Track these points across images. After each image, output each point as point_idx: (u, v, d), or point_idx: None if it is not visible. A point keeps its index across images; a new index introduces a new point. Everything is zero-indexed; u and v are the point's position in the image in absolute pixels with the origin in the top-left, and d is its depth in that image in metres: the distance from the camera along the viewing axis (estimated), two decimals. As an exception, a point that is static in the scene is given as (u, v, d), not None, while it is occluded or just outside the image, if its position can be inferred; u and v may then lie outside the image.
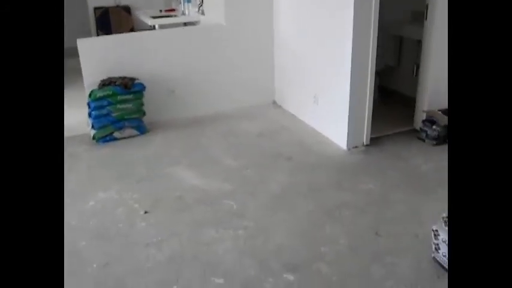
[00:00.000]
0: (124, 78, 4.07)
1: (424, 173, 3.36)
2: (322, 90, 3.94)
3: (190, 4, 5.29)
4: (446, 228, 2.35)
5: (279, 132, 4.16)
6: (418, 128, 3.93)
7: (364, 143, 3.75)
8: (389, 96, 4.82)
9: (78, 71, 4.21)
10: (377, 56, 3.55)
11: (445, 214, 2.39)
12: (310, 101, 4.13)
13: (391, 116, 4.28)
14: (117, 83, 3.99)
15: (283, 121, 4.41)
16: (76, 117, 4.57)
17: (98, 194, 3.21)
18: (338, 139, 3.80)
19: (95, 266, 2.46)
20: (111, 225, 2.83)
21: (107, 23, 6.99)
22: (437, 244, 2.42)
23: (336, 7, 3.56)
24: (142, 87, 4.08)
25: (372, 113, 3.70)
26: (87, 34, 7.14)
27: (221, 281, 2.32)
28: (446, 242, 2.33)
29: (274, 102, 4.89)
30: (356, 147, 3.73)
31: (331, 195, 3.06)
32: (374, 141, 3.79)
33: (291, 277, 2.33)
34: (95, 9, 7.04)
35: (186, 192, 3.16)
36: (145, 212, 2.95)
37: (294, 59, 4.39)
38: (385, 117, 4.15)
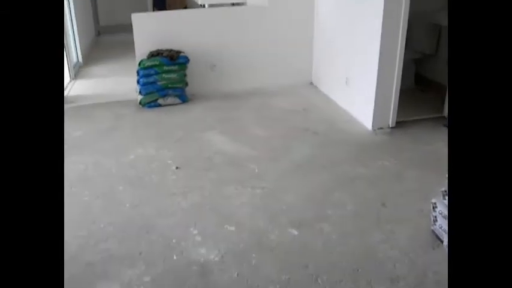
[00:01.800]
0: (171, 50, 4.43)
1: (442, 155, 3.48)
2: (353, 73, 4.13)
3: (239, -15, 5.57)
4: (444, 201, 2.52)
5: (310, 109, 4.39)
6: (446, 115, 4.03)
7: (390, 125, 3.91)
8: (427, 85, 4.92)
9: (132, 44, 4.61)
10: (413, 43, 3.65)
11: (445, 188, 2.55)
12: (342, 83, 4.33)
13: (422, 102, 4.40)
14: (164, 55, 4.35)
15: (316, 100, 4.63)
16: (127, 84, 5.01)
17: (138, 150, 3.59)
18: (365, 120, 3.99)
19: (127, 205, 2.83)
20: (146, 176, 3.19)
21: (162, 1, 7.40)
22: (435, 216, 2.58)
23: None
24: (186, 60, 4.42)
25: (404, 98, 3.84)
26: (144, 11, 7.61)
27: (233, 228, 2.61)
28: (443, 215, 2.50)
29: (311, 83, 5.11)
30: (381, 128, 3.90)
31: (347, 168, 3.28)
32: (400, 124, 3.93)
33: (295, 232, 2.58)
34: (153, -13, 7.47)
35: (215, 154, 3.48)
36: (177, 168, 3.30)
37: (330, 42, 4.59)
38: (416, 103, 4.28)
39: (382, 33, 3.59)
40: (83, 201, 2.91)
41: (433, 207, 2.59)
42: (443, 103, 4.16)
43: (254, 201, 2.88)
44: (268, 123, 4.06)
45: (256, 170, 3.24)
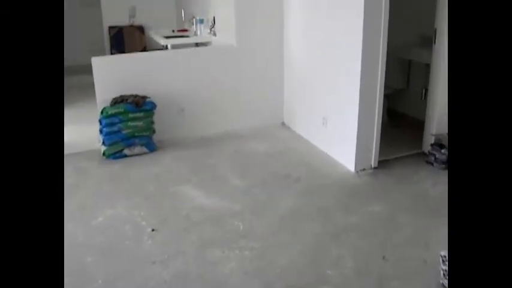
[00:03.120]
0: (136, 96, 4.13)
1: (432, 196, 3.35)
2: (331, 113, 3.97)
3: (202, 25, 5.39)
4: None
5: (287, 152, 4.18)
6: (426, 151, 3.92)
7: (372, 166, 3.75)
8: (398, 119, 4.84)
9: (92, 87, 4.28)
10: (385, 79, 3.58)
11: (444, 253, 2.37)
12: (319, 123, 4.15)
13: (399, 139, 4.29)
14: (128, 101, 4.04)
15: (292, 142, 4.43)
16: (89, 132, 4.63)
17: (106, 211, 3.23)
18: (346, 161, 3.80)
19: (100, 281, 2.47)
20: (118, 242, 2.84)
21: (121, 41, 7.12)
22: (446, 270, 2.39)
23: (345, 31, 3.61)
24: (153, 106, 4.13)
25: (380, 135, 3.71)
26: (102, 52, 7.28)
27: (226, 301, 2.32)
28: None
29: (283, 124, 4.92)
30: (364, 169, 3.73)
31: (338, 218, 3.06)
32: (382, 164, 3.79)
33: (296, 299, 2.32)
34: (110, 28, 7.18)
35: (193, 211, 3.18)
36: (153, 230, 2.96)
37: (303, 80, 4.44)
38: (393, 140, 4.15)
39: (361, 72, 3.46)
40: (47, 279, 2.52)
41: (443, 261, 2.40)
42: (421, 138, 4.06)
43: (244, 265, 2.59)
44: (245, 171, 3.80)
45: (241, 227, 2.96)
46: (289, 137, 4.58)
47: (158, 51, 4.72)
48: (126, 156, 4.12)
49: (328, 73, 3.97)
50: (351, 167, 3.74)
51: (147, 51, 6.97)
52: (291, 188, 3.49)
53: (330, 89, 3.95)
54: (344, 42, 3.64)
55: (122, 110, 3.99)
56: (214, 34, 5.12)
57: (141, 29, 7.23)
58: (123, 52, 6.94)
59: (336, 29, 3.76)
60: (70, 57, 8.08)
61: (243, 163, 3.98)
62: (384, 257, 2.65)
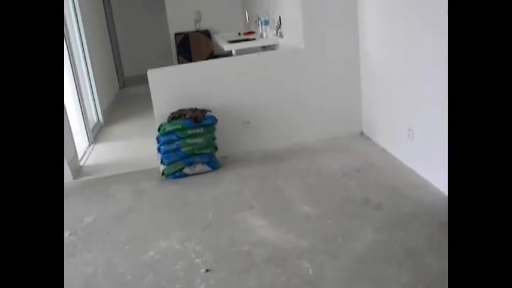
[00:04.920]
0: (195, 110, 3.78)
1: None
2: (419, 122, 3.34)
3: (268, 26, 4.95)
4: None
5: (366, 171, 3.60)
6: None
7: (472, 188, 3.08)
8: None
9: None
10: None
11: None
12: (404, 134, 3.53)
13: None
14: (187, 116, 3.70)
15: (372, 157, 3.84)
16: (151, 148, 4.37)
17: (159, 243, 2.89)
18: (439, 182, 3.15)
19: None
20: (167, 285, 2.47)
21: (187, 48, 6.90)
22: None
23: (433, 27, 2.97)
24: (213, 121, 3.76)
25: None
26: (169, 59, 7.12)
27: None
28: None
29: (362, 133, 4.33)
30: (461, 192, 3.06)
31: (432, 262, 2.43)
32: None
33: None
34: (176, 35, 6.97)
35: (254, 247, 2.73)
36: (207, 270, 2.55)
37: (384, 85, 3.83)
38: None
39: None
40: (85, 332, 2.20)
41: None
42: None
43: (313, 325, 2.09)
44: (316, 195, 3.29)
45: (310, 271, 2.45)
46: (369, 150, 3.99)
47: (219, 60, 4.35)
48: (186, 175, 3.79)
49: (414, 77, 3.33)
50: (445, 189, 3.08)
51: (215, 55, 6.69)
52: (370, 217, 2.93)
53: (417, 95, 3.31)
54: (431, 41, 3.01)
55: (179, 126, 3.66)
56: (281, 35, 4.65)
57: (207, 33, 6.95)
58: (190, 59, 6.73)
59: (421, 27, 3.13)
60: (140, 66, 8.08)
61: (314, 184, 3.47)
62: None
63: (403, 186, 3.27)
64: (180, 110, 3.81)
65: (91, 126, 5.45)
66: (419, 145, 3.36)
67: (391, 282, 2.31)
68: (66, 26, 4.92)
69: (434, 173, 3.20)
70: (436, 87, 3.02)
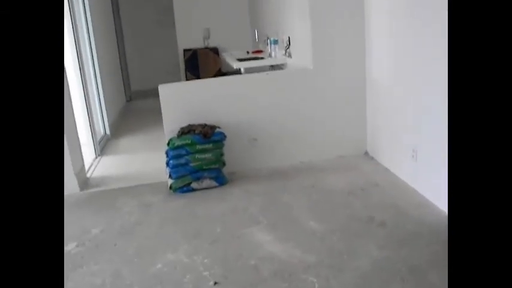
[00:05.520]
0: (204, 126, 3.86)
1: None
2: (423, 143, 3.42)
3: (277, 46, 5.06)
4: None
5: (370, 190, 3.67)
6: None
7: (474, 209, 3.15)
8: None
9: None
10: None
11: None
12: (408, 155, 3.61)
13: None
14: (196, 131, 3.78)
15: (376, 176, 3.91)
16: (158, 162, 4.44)
17: (167, 255, 2.94)
18: (442, 203, 3.22)
19: None
20: (176, 298, 2.52)
21: (195, 64, 7.01)
22: None
23: (440, 45, 3.06)
24: (222, 137, 3.84)
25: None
26: (177, 75, 7.24)
27: None
28: None
29: (366, 153, 4.42)
30: (464, 213, 3.13)
31: (436, 280, 2.49)
32: (486, 206, 3.17)
33: None
34: (185, 51, 7.10)
35: (261, 261, 2.78)
36: (215, 283, 2.61)
37: (388, 106, 3.92)
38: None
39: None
40: None
41: None
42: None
43: None
44: (322, 212, 3.36)
45: (316, 286, 2.51)
46: (373, 170, 4.06)
47: (229, 77, 4.45)
48: (194, 190, 3.86)
49: (419, 99, 3.43)
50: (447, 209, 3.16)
51: (222, 73, 6.80)
52: (374, 235, 2.99)
53: (422, 116, 3.40)
54: (438, 56, 3.10)
55: (189, 141, 3.74)
56: (290, 55, 4.76)
57: (215, 50, 7.08)
58: (198, 75, 6.84)
59: (426, 52, 3.23)
60: (147, 80, 8.21)
61: (320, 201, 3.54)
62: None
63: (406, 206, 3.34)
64: (189, 126, 3.90)
65: (98, 138, 5.53)
66: (423, 166, 3.44)
67: (395, 299, 2.37)
68: (78, 36, 5.03)
69: (437, 193, 3.27)
70: (440, 109, 3.11)
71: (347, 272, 2.62)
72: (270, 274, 2.66)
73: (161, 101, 4.01)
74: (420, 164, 3.48)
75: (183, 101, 4.07)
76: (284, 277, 2.61)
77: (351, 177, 3.95)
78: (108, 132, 6.08)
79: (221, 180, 3.92)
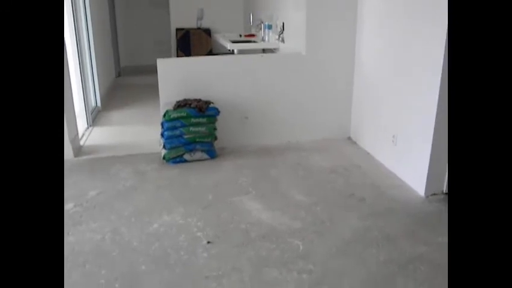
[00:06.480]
0: (199, 101, 4.07)
1: None
2: (402, 130, 3.71)
3: (270, 31, 5.27)
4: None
5: (352, 170, 3.96)
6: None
7: (444, 191, 3.47)
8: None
9: (155, 88, 4.29)
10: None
11: None
12: (388, 141, 3.91)
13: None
14: (192, 105, 3.99)
15: (357, 159, 4.21)
16: (149, 134, 4.65)
17: (163, 217, 3.17)
18: (415, 184, 3.54)
19: (152, 294, 2.39)
20: (172, 252, 2.75)
21: (187, 43, 7.16)
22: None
23: (424, 42, 3.35)
24: (216, 112, 4.05)
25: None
26: (168, 53, 7.37)
27: (281, 330, 2.16)
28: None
29: (349, 138, 4.70)
30: (435, 194, 3.45)
31: (405, 246, 2.81)
32: (456, 189, 3.48)
33: (357, 336, 2.12)
34: (177, 30, 7.23)
35: (251, 226, 3.04)
36: (208, 242, 2.86)
37: (373, 94, 4.21)
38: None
39: (440, 88, 3.19)
40: (98, 284, 2.47)
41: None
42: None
43: (302, 290, 2.42)
44: (307, 186, 3.63)
45: (301, 248, 2.79)
46: (355, 153, 4.35)
47: (225, 56, 4.64)
48: (186, 161, 4.07)
49: (402, 87, 3.71)
50: (420, 191, 3.47)
51: (213, 54, 6.96)
52: (354, 208, 3.28)
53: (403, 104, 3.69)
54: (422, 55, 3.39)
55: (184, 114, 3.94)
56: (283, 41, 4.99)
57: (207, 31, 7.23)
58: (189, 55, 6.99)
59: (413, 41, 3.51)
60: (136, 57, 8.32)
61: (305, 177, 3.81)
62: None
63: (384, 185, 3.64)
64: (185, 100, 4.09)
65: (90, 109, 5.65)
66: (401, 151, 3.74)
67: (370, 260, 2.67)
68: (76, 10, 5.15)
69: (412, 175, 3.59)
70: (421, 97, 3.40)
71: (329, 237, 2.91)
72: (258, 237, 2.92)
73: (159, 75, 4.18)
74: (399, 149, 3.77)
75: (179, 76, 4.24)
76: (272, 239, 2.88)
77: (334, 158, 4.23)
78: (99, 104, 6.21)
79: (212, 154, 4.14)
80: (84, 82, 5.46)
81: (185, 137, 4.00)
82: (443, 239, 2.90)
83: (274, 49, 5.14)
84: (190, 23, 7.25)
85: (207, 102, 4.06)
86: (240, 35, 5.91)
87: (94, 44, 6.11)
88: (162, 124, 4.06)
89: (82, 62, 5.40)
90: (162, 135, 4.07)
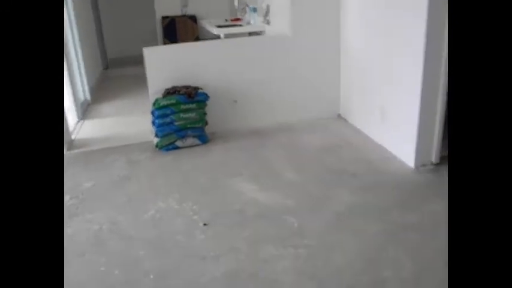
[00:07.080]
0: (188, 87, 4.09)
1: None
2: (390, 104, 3.76)
3: (256, 14, 5.27)
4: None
5: (342, 146, 4.02)
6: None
7: (433, 162, 3.53)
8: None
9: (144, 78, 4.30)
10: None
11: None
12: (376, 115, 3.96)
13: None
14: (181, 92, 4.01)
15: (347, 135, 4.26)
16: (140, 124, 4.67)
17: (158, 203, 3.22)
18: (405, 156, 3.60)
19: (151, 276, 2.45)
20: (170, 237, 2.81)
21: (173, 31, 7.14)
22: None
23: (407, 15, 3.38)
24: (205, 97, 4.08)
25: (443, 129, 3.48)
26: (154, 42, 7.34)
27: (279, 302, 2.23)
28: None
29: (339, 116, 4.75)
30: (424, 165, 3.52)
31: (396, 217, 2.88)
32: (444, 159, 3.55)
33: (353, 304, 2.20)
34: (163, 18, 7.21)
35: (246, 206, 3.10)
36: (205, 224, 2.91)
37: (360, 70, 4.24)
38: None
39: (425, 59, 3.23)
40: (99, 272, 2.53)
41: None
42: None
43: (298, 264, 2.49)
44: (299, 165, 3.69)
45: (296, 224, 2.85)
46: (345, 130, 4.41)
47: (211, 41, 4.65)
48: (178, 148, 4.11)
49: (387, 61, 3.75)
50: (410, 162, 3.54)
51: (200, 40, 6.95)
52: (346, 183, 3.35)
53: (389, 78, 3.74)
54: (405, 25, 3.41)
55: (174, 101, 3.97)
56: (268, 23, 5.00)
57: (193, 18, 7.21)
58: (175, 42, 6.97)
59: (397, 13, 3.54)
60: (123, 48, 8.26)
61: (297, 156, 3.87)
62: (446, 263, 2.46)
63: (375, 160, 3.71)
64: (174, 87, 4.11)
65: (79, 103, 5.65)
66: (389, 125, 3.80)
67: (363, 232, 2.74)
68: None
69: (401, 148, 3.66)
70: (406, 72, 3.45)
71: (322, 213, 2.97)
72: (254, 216, 2.98)
73: (146, 63, 4.19)
74: (387, 123, 3.83)
75: (167, 64, 4.25)
76: (267, 218, 2.94)
77: (325, 136, 4.28)
78: (88, 97, 6.21)
79: (204, 139, 4.19)
80: (71, 76, 5.45)
81: (176, 123, 4.03)
82: (434, 207, 2.97)
83: (260, 32, 5.15)
84: (175, 10, 7.23)
85: (196, 88, 4.09)
86: (226, 20, 5.91)
87: (79, 36, 6.08)
88: (152, 112, 4.09)
89: (67, 55, 5.38)
90: (153, 123, 4.11)
